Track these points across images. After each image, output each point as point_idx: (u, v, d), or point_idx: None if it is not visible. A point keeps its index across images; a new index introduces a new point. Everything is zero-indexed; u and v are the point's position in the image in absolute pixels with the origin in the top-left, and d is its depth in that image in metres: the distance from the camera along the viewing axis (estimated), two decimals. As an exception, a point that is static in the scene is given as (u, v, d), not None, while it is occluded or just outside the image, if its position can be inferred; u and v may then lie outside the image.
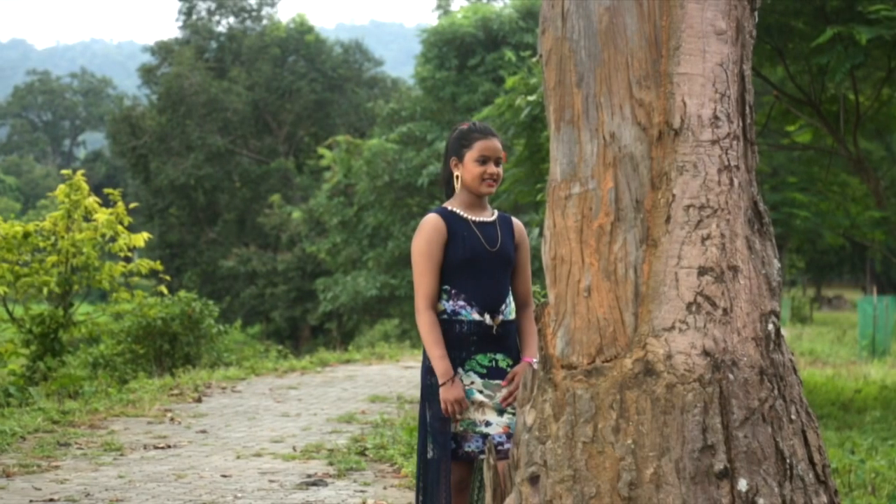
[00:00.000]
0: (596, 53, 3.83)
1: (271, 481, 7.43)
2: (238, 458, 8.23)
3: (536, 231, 19.26)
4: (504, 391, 4.71)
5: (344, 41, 51.14)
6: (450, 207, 4.84)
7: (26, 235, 13.72)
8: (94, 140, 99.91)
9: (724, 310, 3.68)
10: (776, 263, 3.89)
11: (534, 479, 3.71)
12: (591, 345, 3.76)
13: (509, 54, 25.90)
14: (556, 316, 3.87)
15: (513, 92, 15.34)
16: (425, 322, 4.67)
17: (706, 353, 3.63)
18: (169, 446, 8.69)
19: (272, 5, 52.40)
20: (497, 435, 4.63)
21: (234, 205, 46.34)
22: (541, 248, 4.03)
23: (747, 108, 3.89)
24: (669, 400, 3.58)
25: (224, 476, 7.60)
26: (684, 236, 3.71)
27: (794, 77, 13.48)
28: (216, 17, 51.24)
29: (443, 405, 4.61)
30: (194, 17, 50.91)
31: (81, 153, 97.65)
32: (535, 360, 4.62)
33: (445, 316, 4.72)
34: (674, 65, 3.79)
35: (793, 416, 3.73)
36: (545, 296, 4.01)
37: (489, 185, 4.78)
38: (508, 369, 4.73)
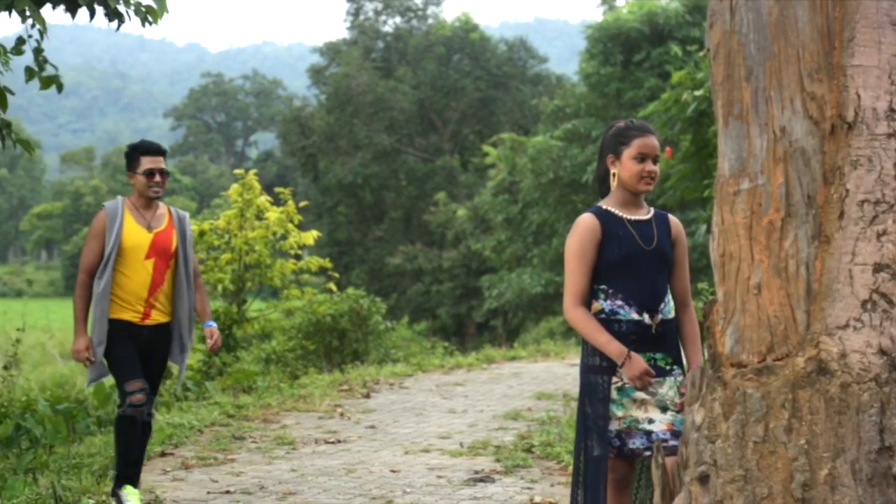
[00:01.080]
0: (766, 46, 3.76)
1: (439, 477, 7.51)
2: (406, 453, 8.33)
3: (704, 228, 18.98)
4: (668, 389, 4.70)
5: (508, 39, 51.24)
6: (605, 206, 4.81)
7: (202, 234, 14.11)
8: (266, 140, 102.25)
9: (901, 308, 3.58)
10: (956, 260, 3.77)
11: (703, 479, 3.67)
12: (761, 343, 3.70)
13: (675, 49, 25.57)
14: (725, 313, 3.81)
15: (679, 87, 15.16)
16: (579, 316, 4.68)
17: (882, 352, 3.54)
18: (339, 441, 8.85)
19: (437, 4, 52.83)
20: (661, 432, 4.61)
21: (400, 203, 46.86)
22: (709, 245, 3.98)
23: (925, 100, 3.77)
24: (844, 400, 3.49)
25: (393, 471, 7.70)
26: (858, 232, 3.62)
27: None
28: (383, 17, 51.89)
29: (631, 382, 4.60)
30: (361, 17, 51.64)
31: (253, 153, 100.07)
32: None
33: (603, 315, 4.71)
34: (847, 56, 3.70)
35: (975, 418, 3.60)
36: (713, 293, 3.96)
37: (647, 183, 4.75)
38: (667, 367, 4.71)
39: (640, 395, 4.64)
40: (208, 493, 6.96)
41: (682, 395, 4.62)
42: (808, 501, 3.47)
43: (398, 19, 52.02)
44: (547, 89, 46.44)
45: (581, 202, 27.05)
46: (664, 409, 4.65)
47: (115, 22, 7.86)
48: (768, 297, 3.70)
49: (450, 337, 36.87)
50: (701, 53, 16.44)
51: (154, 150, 6.61)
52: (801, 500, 3.48)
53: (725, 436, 3.63)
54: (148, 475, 7.43)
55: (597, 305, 4.73)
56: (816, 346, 3.58)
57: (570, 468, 7.53)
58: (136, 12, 7.82)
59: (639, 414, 4.65)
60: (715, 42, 3.91)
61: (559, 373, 13.62)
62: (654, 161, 4.75)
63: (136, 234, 6.50)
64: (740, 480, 3.57)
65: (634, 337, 4.67)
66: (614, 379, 4.68)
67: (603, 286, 4.74)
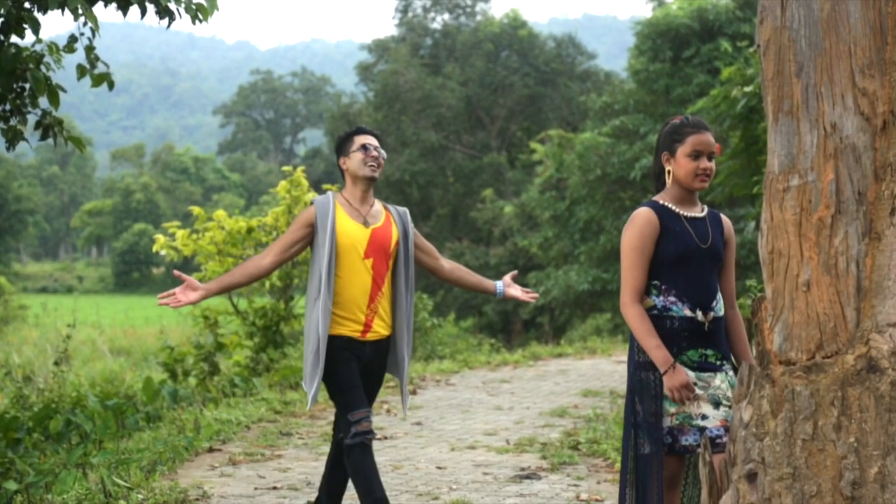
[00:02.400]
0: (817, 42, 3.74)
1: (485, 474, 7.51)
2: (452, 450, 8.35)
3: (753, 224, 18.86)
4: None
5: (557, 35, 51.09)
6: (661, 201, 4.79)
7: (249, 230, 14.18)
8: (314, 137, 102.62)
9: (953, 305, 3.54)
10: None
11: (751, 477, 3.65)
12: (810, 340, 3.68)
13: (725, 45, 25.40)
14: (774, 311, 3.79)
15: (729, 83, 15.07)
16: (635, 314, 4.65)
17: (933, 350, 3.50)
18: (386, 437, 8.87)
19: (486, 1, 52.80)
20: (714, 428, 4.59)
21: (447, 199, 46.87)
22: (757, 242, 3.96)
23: (978, 96, 3.73)
24: (894, 397, 3.47)
25: (439, 468, 7.72)
26: (910, 229, 3.58)
27: None
28: (431, 14, 51.90)
29: (669, 393, 4.57)
30: (410, 14, 51.69)
31: (301, 150, 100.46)
32: None
33: (655, 311, 4.69)
34: (899, 52, 3.67)
35: None
36: (762, 290, 3.94)
37: (702, 180, 4.72)
38: (718, 363, 4.70)
39: (695, 390, 4.63)
40: (255, 489, 7.01)
41: (733, 387, 4.59)
42: (858, 500, 3.44)
43: (446, 16, 52.02)
44: (595, 86, 46.27)
45: (629, 199, 26.94)
46: (717, 405, 4.63)
47: (166, 20, 7.92)
48: (818, 295, 3.68)
49: (496, 334, 36.85)
50: (751, 49, 16.33)
51: (368, 131, 6.03)
52: (850, 498, 3.45)
53: (774, 433, 3.61)
54: (195, 471, 7.49)
55: (648, 301, 4.72)
56: (866, 344, 3.56)
57: (617, 465, 7.52)
58: (187, 10, 7.88)
59: (692, 410, 4.63)
60: (765, 38, 3.88)
61: (606, 370, 13.59)
62: (710, 158, 4.73)
63: (351, 230, 5.72)
64: (788, 478, 3.55)
65: (686, 334, 4.66)
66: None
67: (655, 282, 4.73)
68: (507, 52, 48.79)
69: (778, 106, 3.82)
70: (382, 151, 5.94)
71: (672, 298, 4.69)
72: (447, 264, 6.19)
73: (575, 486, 7.13)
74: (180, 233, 13.89)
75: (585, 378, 12.74)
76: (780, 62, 3.82)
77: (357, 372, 5.66)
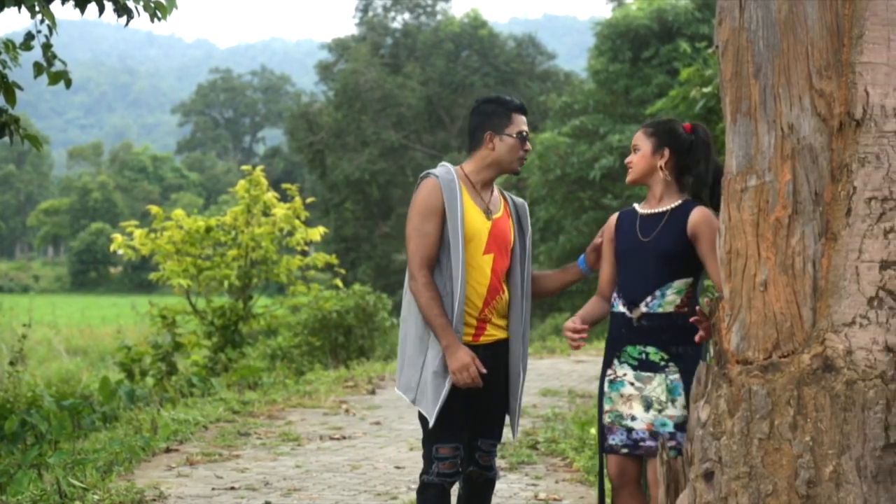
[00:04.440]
0: (774, 43, 3.76)
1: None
2: (411, 449, 8.33)
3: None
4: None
5: (517, 35, 51.23)
6: (636, 205, 4.91)
7: (208, 230, 14.12)
8: (273, 136, 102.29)
9: (908, 305, 3.57)
10: (963, 258, 3.76)
11: (708, 476, 3.67)
12: (767, 340, 3.70)
13: (684, 46, 25.54)
14: (732, 310, 3.81)
15: (687, 84, 15.13)
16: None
17: (888, 349, 3.53)
18: (344, 437, 8.85)
19: (446, 0, 52.87)
20: (640, 431, 4.59)
21: (407, 199, 46.55)
22: (716, 242, 3.98)
23: (933, 97, 3.76)
24: (850, 397, 3.49)
25: (398, 467, 7.70)
26: (865, 229, 3.61)
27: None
28: (392, 14, 51.90)
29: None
30: (370, 13, 51.66)
31: (261, 149, 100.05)
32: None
33: (613, 307, 4.79)
34: (856, 54, 3.70)
35: (981, 416, 3.60)
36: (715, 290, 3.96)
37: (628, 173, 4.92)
38: (661, 362, 4.60)
39: (629, 390, 4.62)
40: (213, 489, 6.96)
41: (671, 391, 4.55)
42: (813, 498, 3.46)
43: (407, 15, 52.03)
44: (555, 86, 46.39)
45: (588, 199, 27.02)
46: (648, 408, 4.60)
47: (124, 17, 7.86)
48: (775, 294, 3.70)
49: (456, 333, 36.76)
50: (710, 50, 16.41)
51: (525, 109, 5.06)
52: (805, 496, 3.47)
53: (730, 433, 3.62)
54: (152, 471, 7.44)
55: (612, 298, 4.84)
56: (822, 344, 3.58)
57: (575, 465, 7.55)
58: (145, 8, 7.82)
59: (624, 409, 4.65)
60: (724, 39, 3.90)
61: (565, 369, 13.60)
62: (634, 151, 4.82)
63: (476, 219, 4.85)
64: (745, 477, 3.57)
65: (624, 330, 4.69)
66: (608, 371, 4.72)
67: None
68: (468, 52, 48.87)
69: (736, 107, 3.84)
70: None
71: (615, 295, 4.78)
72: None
73: (533, 485, 7.13)
74: (138, 232, 13.82)
75: (544, 378, 12.74)
76: (738, 63, 3.84)
77: (460, 392, 4.79)
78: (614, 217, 4.92)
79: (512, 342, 4.94)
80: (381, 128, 45.31)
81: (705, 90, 13.94)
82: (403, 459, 7.97)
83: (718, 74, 4.01)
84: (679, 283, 4.65)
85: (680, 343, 4.62)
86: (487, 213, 4.86)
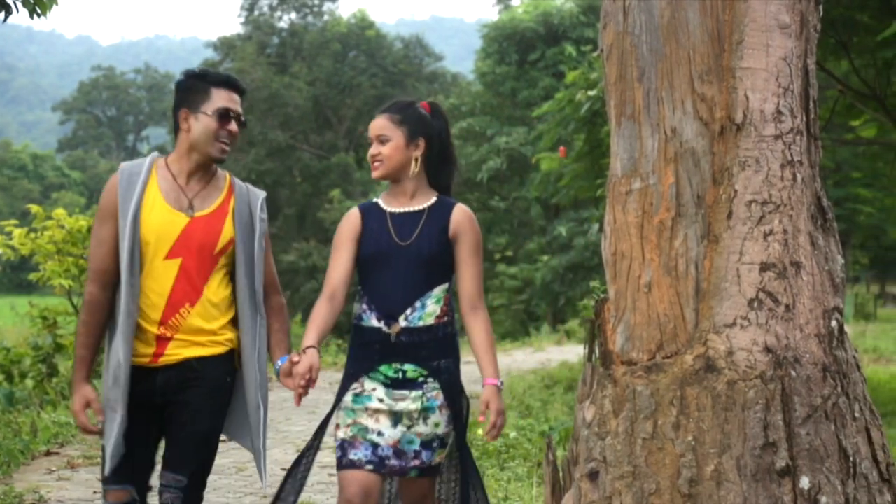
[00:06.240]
0: (658, 48, 3.80)
1: (331, 475, 7.47)
2: (298, 451, 8.28)
3: (596, 227, 19.17)
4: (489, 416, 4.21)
5: (404, 36, 51.31)
6: (378, 199, 4.40)
7: (90, 229, 13.86)
8: (158, 135, 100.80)
9: (787, 306, 3.64)
10: (839, 260, 3.85)
11: (593, 475, 3.70)
12: (651, 341, 3.74)
13: (570, 49, 25.83)
14: (616, 312, 3.85)
15: (573, 87, 15.30)
16: (315, 309, 4.31)
17: (768, 349, 3.60)
18: (229, 439, 8.75)
19: (333, 1, 52.67)
20: (386, 446, 4.18)
21: (294, 199, 46.59)
22: (601, 244, 4.01)
23: (811, 103, 3.85)
24: (731, 397, 3.55)
25: (284, 469, 7.64)
26: (746, 232, 3.67)
27: (858, 71, 13.30)
28: (278, 13, 51.58)
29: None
30: (256, 12, 51.28)
31: (145, 148, 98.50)
32: (499, 381, 4.21)
33: (355, 320, 4.32)
34: (737, 59, 3.76)
35: (856, 414, 3.68)
36: (605, 291, 3.98)
37: (374, 168, 4.35)
38: (420, 379, 4.21)
39: (376, 404, 4.20)
40: (94, 492, 6.84)
41: (426, 409, 4.21)
42: (695, 497, 3.51)
43: (293, 15, 51.75)
44: (443, 87, 46.57)
45: (476, 200, 27.14)
46: (396, 423, 4.19)
47: (2, 13, 7.68)
48: (658, 296, 3.74)
49: (344, 335, 36.70)
50: (595, 54, 16.60)
51: (232, 83, 4.27)
52: (687, 495, 3.52)
53: (615, 433, 3.66)
54: (32, 475, 7.28)
55: (356, 308, 4.35)
56: (704, 344, 3.63)
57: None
58: (24, 4, 7.64)
59: (369, 423, 4.19)
60: (608, 43, 3.94)
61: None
62: (382, 142, 4.29)
63: (159, 218, 4.14)
64: (629, 476, 3.61)
65: (378, 346, 4.22)
66: (354, 385, 4.25)
67: (360, 287, 4.35)
68: (355, 53, 48.80)
69: (620, 110, 3.88)
70: (244, 119, 4.33)
71: (364, 306, 4.28)
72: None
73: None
74: (17, 231, 13.50)
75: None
76: (622, 67, 3.87)
77: (142, 421, 4.27)
78: (356, 213, 4.35)
79: (246, 368, 4.32)
80: (268, 128, 45.00)
81: (591, 93, 14.12)
82: (290, 461, 7.90)
83: (603, 78, 4.04)
84: (438, 291, 4.26)
85: (441, 356, 4.26)
86: (187, 209, 4.15)
